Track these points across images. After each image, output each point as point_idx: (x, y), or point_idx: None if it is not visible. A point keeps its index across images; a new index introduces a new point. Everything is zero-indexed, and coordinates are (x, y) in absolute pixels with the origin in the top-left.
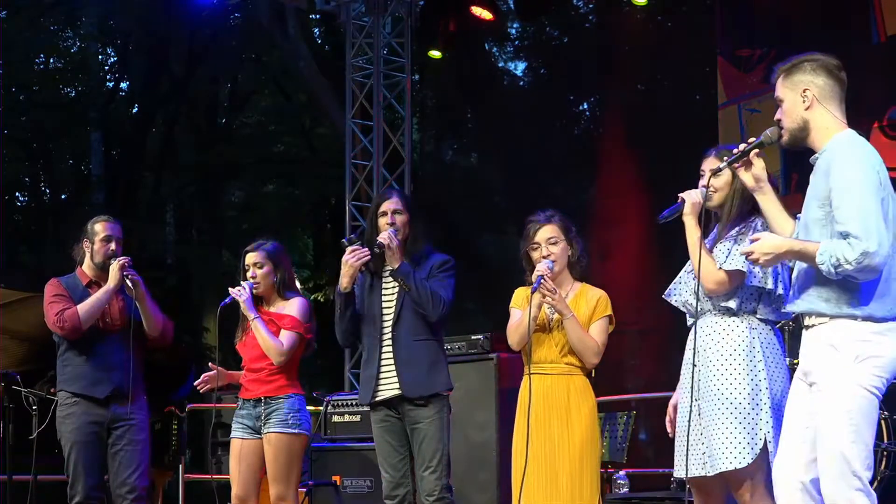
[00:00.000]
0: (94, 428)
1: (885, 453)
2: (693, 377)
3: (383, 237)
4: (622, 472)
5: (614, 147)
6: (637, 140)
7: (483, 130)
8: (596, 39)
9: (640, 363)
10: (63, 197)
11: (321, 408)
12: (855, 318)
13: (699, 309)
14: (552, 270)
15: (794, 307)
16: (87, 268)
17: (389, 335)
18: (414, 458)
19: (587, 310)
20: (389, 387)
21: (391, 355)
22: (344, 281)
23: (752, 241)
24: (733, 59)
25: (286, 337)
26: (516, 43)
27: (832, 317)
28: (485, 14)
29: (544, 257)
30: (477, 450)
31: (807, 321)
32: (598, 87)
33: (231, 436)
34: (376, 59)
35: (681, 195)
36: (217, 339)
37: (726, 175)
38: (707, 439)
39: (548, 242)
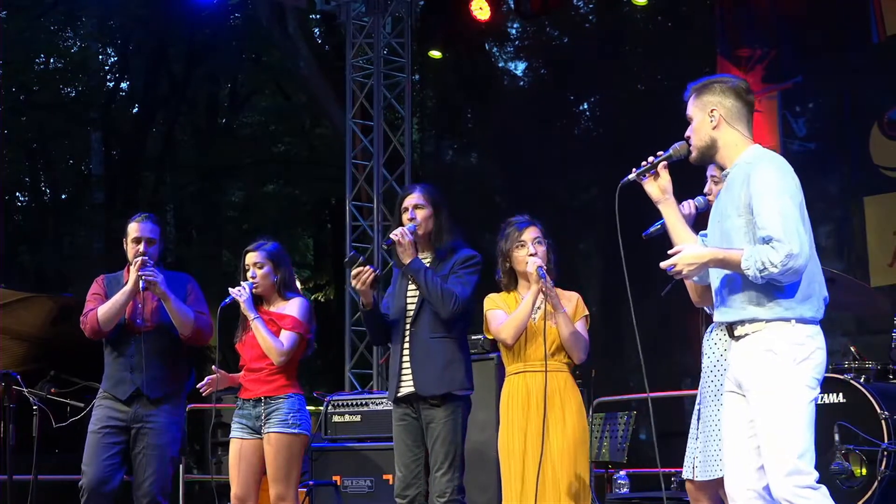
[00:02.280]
0: (111, 422)
1: (885, 453)
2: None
3: (395, 234)
4: (622, 472)
5: (614, 147)
6: (637, 140)
7: (483, 130)
8: (596, 39)
9: (639, 363)
10: (63, 197)
11: (322, 408)
12: (788, 320)
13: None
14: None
15: (724, 317)
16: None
17: (410, 331)
18: (428, 456)
19: (569, 309)
20: (408, 384)
21: (409, 352)
22: (362, 300)
23: (673, 254)
24: (733, 59)
25: (287, 337)
26: (516, 43)
27: (767, 321)
28: (482, 13)
29: (531, 255)
30: (477, 450)
31: (738, 330)
32: (598, 87)
33: (230, 436)
34: (376, 59)
35: None
36: (217, 338)
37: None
38: (702, 444)
39: (534, 241)
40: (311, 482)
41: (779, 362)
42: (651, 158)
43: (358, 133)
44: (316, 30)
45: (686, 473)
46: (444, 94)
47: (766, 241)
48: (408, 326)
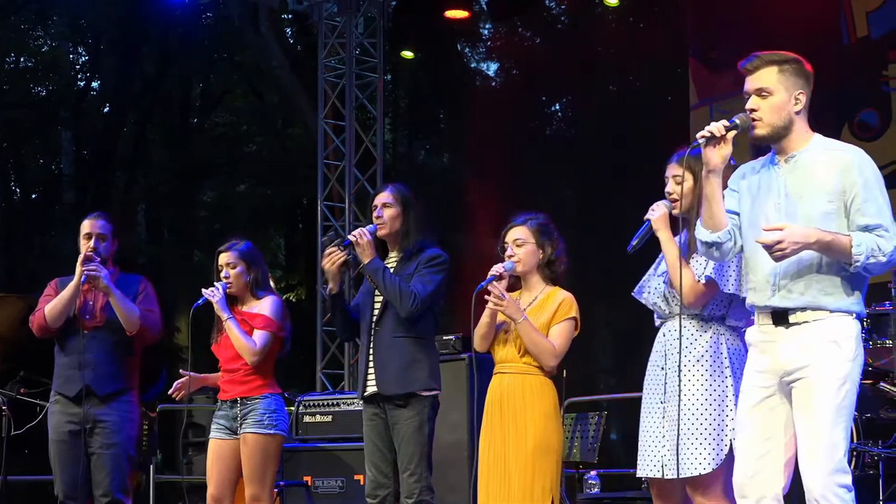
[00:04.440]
0: (68, 427)
1: (854, 453)
2: (663, 381)
3: (353, 234)
4: (593, 473)
5: (587, 147)
6: (609, 141)
7: (455, 131)
8: (568, 40)
9: (611, 364)
10: (34, 196)
11: (293, 408)
12: (851, 313)
13: (668, 312)
14: (509, 271)
15: (781, 301)
16: None
17: (374, 331)
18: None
19: (550, 312)
20: (373, 384)
21: (373, 352)
22: (330, 284)
23: (771, 230)
24: (705, 61)
25: (259, 336)
26: (489, 44)
27: (832, 311)
28: (459, 14)
29: (508, 257)
30: (448, 450)
31: (795, 317)
32: (571, 88)
33: (209, 436)
34: (348, 59)
35: (646, 217)
36: (189, 339)
37: (688, 182)
38: (670, 443)
39: (514, 243)
40: (281, 482)
41: (842, 356)
42: (718, 125)
43: (330, 133)
44: (288, 29)
45: (653, 472)
46: (417, 94)
47: (870, 229)
48: (373, 326)
